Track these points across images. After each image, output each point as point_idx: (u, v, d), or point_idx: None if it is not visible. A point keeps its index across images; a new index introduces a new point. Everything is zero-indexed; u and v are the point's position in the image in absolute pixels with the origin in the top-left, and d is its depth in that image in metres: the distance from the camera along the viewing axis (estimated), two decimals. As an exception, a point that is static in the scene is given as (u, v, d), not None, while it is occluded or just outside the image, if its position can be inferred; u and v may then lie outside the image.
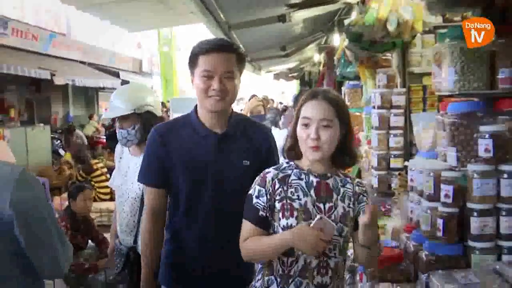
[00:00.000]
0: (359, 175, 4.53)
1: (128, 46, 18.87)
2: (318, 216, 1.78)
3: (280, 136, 4.20)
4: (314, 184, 1.91)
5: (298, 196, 1.90)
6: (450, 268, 2.12)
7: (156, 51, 21.92)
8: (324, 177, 1.94)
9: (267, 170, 1.99)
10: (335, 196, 1.92)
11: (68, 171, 8.70)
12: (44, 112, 13.92)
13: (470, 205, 2.13)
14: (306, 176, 1.93)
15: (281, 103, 17.69)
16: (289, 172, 1.95)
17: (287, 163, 2.00)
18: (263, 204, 1.91)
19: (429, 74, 3.10)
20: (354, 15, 4.80)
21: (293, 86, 20.49)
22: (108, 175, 6.86)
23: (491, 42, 2.30)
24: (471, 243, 2.14)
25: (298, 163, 1.97)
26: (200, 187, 2.09)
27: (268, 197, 1.91)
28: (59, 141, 11.99)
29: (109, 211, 6.32)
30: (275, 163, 2.14)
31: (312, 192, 1.90)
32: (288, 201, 1.90)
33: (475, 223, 2.11)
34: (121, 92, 2.91)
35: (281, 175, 1.94)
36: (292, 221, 1.86)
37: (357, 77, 5.66)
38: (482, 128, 2.25)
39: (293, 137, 1.94)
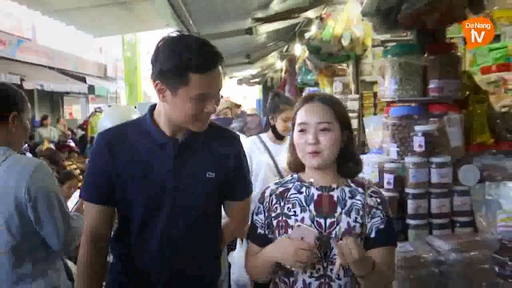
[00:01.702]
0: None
1: (93, 51, 18.77)
2: (296, 224, 1.61)
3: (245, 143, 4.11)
4: (315, 197, 1.69)
5: (294, 212, 1.69)
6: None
7: (120, 56, 21.79)
8: (327, 189, 1.70)
9: (268, 185, 1.83)
10: (339, 209, 1.67)
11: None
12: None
13: (407, 190, 2.45)
14: (307, 190, 1.71)
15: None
16: (290, 185, 1.76)
17: (291, 176, 1.81)
18: (261, 221, 1.75)
19: (378, 82, 3.43)
20: (313, 29, 5.18)
21: (255, 91, 20.72)
22: (81, 177, 7.01)
23: (423, 59, 2.62)
24: (408, 221, 2.45)
25: (302, 175, 1.76)
26: (156, 203, 1.73)
27: (266, 214, 1.75)
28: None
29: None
30: (245, 171, 1.91)
31: (311, 206, 1.68)
32: (284, 218, 1.70)
33: (411, 205, 2.43)
34: (110, 113, 3.11)
35: (280, 189, 1.75)
36: (285, 235, 1.67)
37: (317, 84, 5.97)
38: (417, 128, 2.53)
39: (292, 149, 1.75)
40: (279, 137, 3.40)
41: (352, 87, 4.91)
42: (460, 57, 2.84)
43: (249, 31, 5.15)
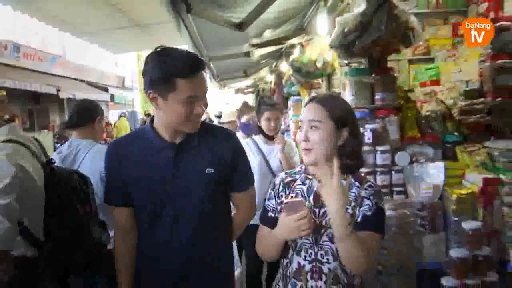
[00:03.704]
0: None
1: (112, 65, 18.73)
2: (284, 202, 1.46)
3: None
4: (315, 189, 1.56)
5: None
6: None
7: (136, 68, 21.80)
8: None
9: (279, 174, 1.71)
10: None
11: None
12: (43, 121, 13.92)
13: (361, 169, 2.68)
14: (310, 181, 1.59)
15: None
16: (297, 177, 1.63)
17: (300, 167, 1.68)
18: (272, 206, 1.63)
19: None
20: (296, 52, 5.48)
21: (250, 99, 20.80)
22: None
23: (371, 78, 2.87)
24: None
25: (308, 168, 1.62)
26: (162, 200, 1.61)
27: (276, 199, 1.62)
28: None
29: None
30: (243, 163, 1.77)
31: (311, 197, 1.56)
32: None
33: (363, 179, 2.65)
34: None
35: (288, 179, 1.64)
36: (282, 214, 1.51)
37: (299, 94, 6.27)
38: (367, 126, 2.70)
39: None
40: (268, 138, 3.20)
41: (326, 97, 5.27)
42: (395, 77, 3.04)
43: (247, 54, 5.41)
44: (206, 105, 1.59)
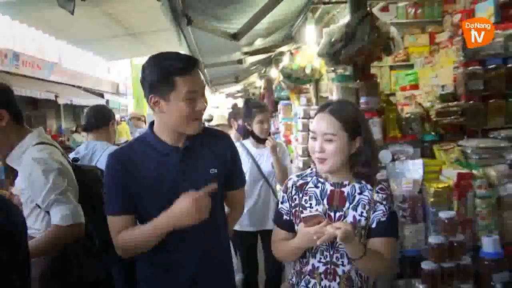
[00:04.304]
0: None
1: (107, 72, 18.44)
2: (302, 217, 1.46)
3: None
4: (328, 192, 1.54)
5: (310, 204, 1.55)
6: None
7: (129, 75, 21.54)
8: (340, 186, 1.55)
9: (290, 176, 1.68)
10: (347, 204, 1.52)
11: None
12: (39, 126, 13.54)
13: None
14: (322, 185, 1.56)
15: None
16: (309, 179, 1.60)
17: (311, 169, 1.65)
18: (286, 209, 1.60)
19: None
20: (285, 59, 5.53)
21: (239, 103, 20.70)
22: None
23: (356, 84, 2.94)
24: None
25: (319, 171, 1.59)
26: (171, 204, 1.50)
27: (290, 202, 1.59)
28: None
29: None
30: (239, 162, 1.78)
31: (325, 200, 1.53)
32: (300, 209, 1.57)
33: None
34: None
35: (300, 182, 1.60)
36: (301, 225, 1.51)
37: (288, 98, 6.33)
38: None
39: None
40: (259, 141, 3.08)
41: (313, 100, 5.24)
42: (378, 82, 3.11)
43: (240, 61, 5.47)
44: (206, 102, 1.55)
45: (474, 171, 2.48)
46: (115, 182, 1.56)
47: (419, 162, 2.58)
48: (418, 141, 2.82)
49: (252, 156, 3.04)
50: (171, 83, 1.46)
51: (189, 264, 1.59)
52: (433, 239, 2.27)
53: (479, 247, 2.35)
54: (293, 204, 1.58)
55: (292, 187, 1.60)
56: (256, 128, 3.07)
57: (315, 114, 1.57)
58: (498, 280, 2.28)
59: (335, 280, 1.51)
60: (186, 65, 1.47)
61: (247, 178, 2.64)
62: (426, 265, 2.24)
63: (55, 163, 1.77)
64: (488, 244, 2.28)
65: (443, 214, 2.30)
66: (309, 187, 1.57)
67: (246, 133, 3.14)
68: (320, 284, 1.52)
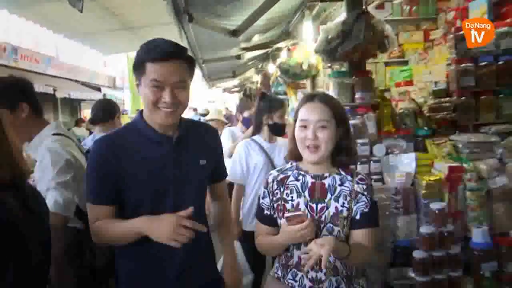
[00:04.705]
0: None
1: (103, 65, 18.34)
2: (285, 217, 1.48)
3: (239, 146, 3.08)
4: (309, 184, 1.55)
5: (292, 197, 1.56)
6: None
7: (125, 69, 21.27)
8: (320, 178, 1.56)
9: (270, 172, 1.69)
10: (329, 196, 1.53)
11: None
12: None
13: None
14: (303, 177, 1.57)
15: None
16: (289, 173, 1.61)
17: (290, 164, 1.66)
18: (267, 204, 1.61)
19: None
20: (282, 55, 5.56)
21: (235, 97, 20.63)
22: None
23: (352, 80, 2.96)
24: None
25: (299, 164, 1.62)
26: (162, 193, 1.52)
27: (270, 197, 1.60)
28: None
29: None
30: (223, 155, 1.78)
31: (306, 193, 1.54)
32: (282, 202, 1.57)
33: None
34: None
35: (281, 176, 1.61)
36: (283, 221, 1.53)
37: (285, 93, 6.25)
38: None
39: (293, 140, 1.60)
40: (278, 133, 2.94)
41: (310, 95, 5.37)
42: (373, 78, 3.12)
43: (238, 57, 5.48)
44: (185, 97, 1.50)
45: (465, 165, 2.51)
46: (102, 169, 1.49)
47: (412, 155, 2.60)
48: (411, 136, 2.83)
49: (265, 151, 2.91)
50: (142, 68, 1.45)
51: (175, 256, 1.55)
52: (424, 229, 2.33)
53: (469, 237, 2.41)
54: (274, 199, 1.59)
55: (273, 182, 1.61)
56: (279, 121, 2.92)
57: (301, 105, 1.59)
58: (487, 269, 2.36)
59: (321, 271, 1.52)
60: (159, 52, 1.43)
61: (262, 174, 2.76)
62: (417, 254, 2.30)
63: (66, 154, 1.82)
64: (478, 235, 2.35)
65: (434, 206, 2.36)
66: (290, 181, 1.59)
67: (258, 128, 2.97)
68: (307, 277, 1.54)
